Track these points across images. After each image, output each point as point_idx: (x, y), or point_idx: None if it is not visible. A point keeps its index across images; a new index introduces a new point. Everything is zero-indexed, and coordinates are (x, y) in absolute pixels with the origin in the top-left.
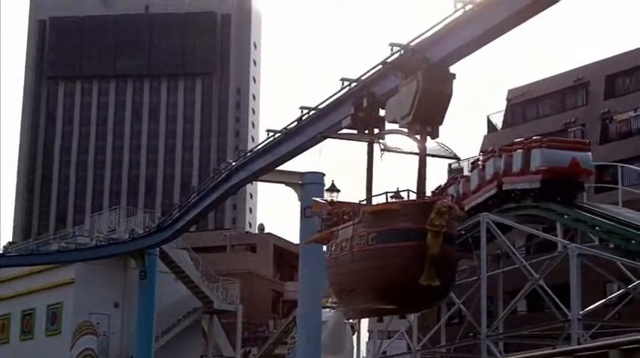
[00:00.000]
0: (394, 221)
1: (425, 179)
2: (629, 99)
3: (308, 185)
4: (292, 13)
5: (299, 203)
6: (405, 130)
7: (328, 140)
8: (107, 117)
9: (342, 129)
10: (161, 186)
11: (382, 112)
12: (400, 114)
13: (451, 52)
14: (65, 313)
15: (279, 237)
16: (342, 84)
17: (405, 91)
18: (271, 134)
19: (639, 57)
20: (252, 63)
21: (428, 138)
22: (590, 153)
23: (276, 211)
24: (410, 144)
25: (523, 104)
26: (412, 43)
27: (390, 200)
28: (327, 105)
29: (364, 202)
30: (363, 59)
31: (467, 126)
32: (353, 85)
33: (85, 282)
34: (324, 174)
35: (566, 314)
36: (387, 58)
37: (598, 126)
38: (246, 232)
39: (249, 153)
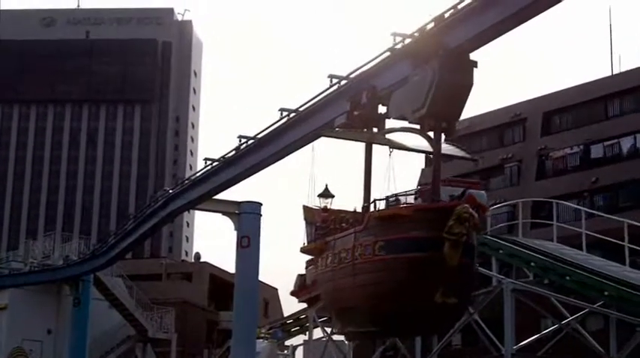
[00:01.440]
0: (405, 228)
1: (439, 181)
2: (565, 136)
3: (245, 214)
4: (233, 43)
5: (235, 232)
6: (416, 127)
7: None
8: (44, 142)
9: (334, 128)
10: (97, 213)
11: (381, 109)
12: (411, 108)
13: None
14: None
15: (216, 266)
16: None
17: (417, 82)
18: (209, 162)
19: (575, 95)
20: (191, 91)
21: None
22: (484, 192)
23: (213, 240)
24: (417, 143)
25: (462, 138)
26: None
27: (383, 205)
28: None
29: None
30: (303, 90)
31: (404, 159)
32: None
33: (19, 308)
34: (260, 204)
35: (499, 349)
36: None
37: (534, 162)
38: (182, 261)
39: (186, 181)
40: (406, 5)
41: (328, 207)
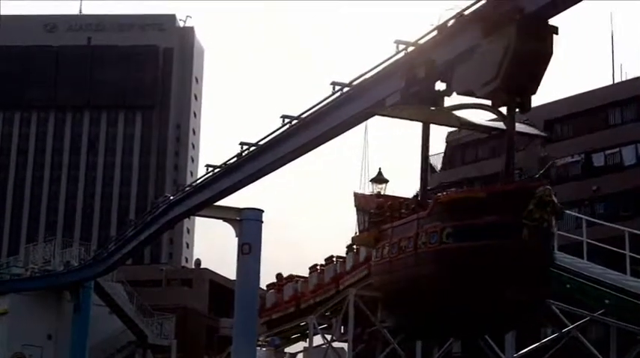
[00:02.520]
0: (477, 213)
1: (513, 161)
2: (566, 144)
3: (246, 221)
4: (235, 49)
5: (236, 239)
6: (486, 102)
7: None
8: (45, 148)
9: (386, 107)
10: (98, 219)
11: (439, 86)
12: (480, 81)
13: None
14: None
15: (216, 273)
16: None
17: (489, 52)
18: (210, 169)
19: (577, 104)
20: (193, 97)
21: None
22: None
23: (213, 247)
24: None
25: (462, 146)
26: None
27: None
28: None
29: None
30: (305, 96)
31: (405, 167)
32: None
33: (19, 313)
34: (262, 211)
35: (500, 357)
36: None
37: (535, 170)
38: (183, 267)
39: (187, 188)
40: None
41: (382, 192)
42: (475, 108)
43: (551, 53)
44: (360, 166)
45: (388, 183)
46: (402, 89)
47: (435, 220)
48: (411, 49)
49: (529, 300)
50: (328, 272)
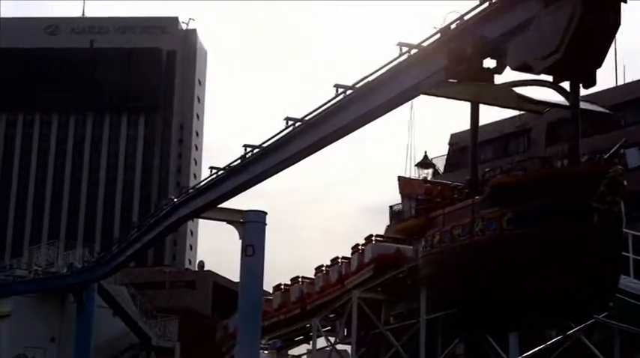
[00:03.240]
0: (541, 196)
1: (579, 141)
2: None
3: (250, 223)
4: (237, 51)
5: (240, 241)
6: (546, 78)
7: None
8: (48, 150)
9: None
10: (101, 221)
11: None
12: (539, 54)
13: None
14: (1, 346)
15: (219, 275)
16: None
17: (550, 23)
18: (214, 171)
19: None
20: (196, 99)
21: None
22: (411, 246)
23: (217, 249)
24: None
25: (466, 149)
26: None
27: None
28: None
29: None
30: (309, 98)
31: (409, 170)
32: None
33: (22, 315)
34: (265, 213)
35: None
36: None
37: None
38: (186, 269)
39: (191, 190)
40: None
41: (428, 178)
42: (532, 85)
43: (618, 24)
44: (406, 150)
45: (435, 168)
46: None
47: (493, 205)
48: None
49: (597, 290)
50: (333, 273)
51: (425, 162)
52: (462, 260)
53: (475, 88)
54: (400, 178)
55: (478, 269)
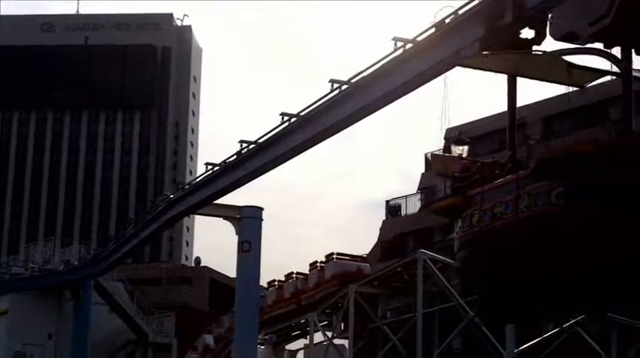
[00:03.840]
0: (596, 170)
1: (631, 111)
2: (566, 140)
3: (246, 219)
4: (233, 48)
5: (236, 237)
6: (595, 46)
7: None
8: (44, 148)
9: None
10: (97, 218)
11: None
12: (586, 19)
13: None
14: None
15: (216, 271)
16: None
17: None
18: (210, 167)
19: (576, 99)
20: (191, 96)
21: None
22: (369, 264)
23: (213, 245)
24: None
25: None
26: None
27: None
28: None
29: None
30: (304, 94)
31: (404, 165)
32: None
33: (19, 313)
34: (262, 209)
35: (501, 353)
36: None
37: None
38: (183, 265)
39: (187, 186)
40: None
41: (464, 155)
42: (578, 54)
43: None
44: (439, 125)
45: (469, 145)
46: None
47: (540, 179)
48: None
49: None
50: (288, 287)
51: (460, 139)
52: (506, 239)
53: (514, 59)
54: (434, 155)
55: (524, 249)
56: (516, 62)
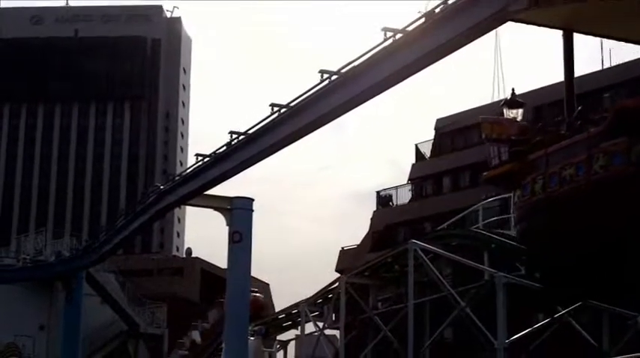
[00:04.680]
0: None
1: None
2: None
3: (237, 210)
4: (223, 39)
5: (227, 228)
6: None
7: None
8: (35, 139)
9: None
10: (88, 209)
11: None
12: None
13: None
14: None
15: (207, 262)
16: None
17: None
18: (200, 158)
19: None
20: (181, 87)
21: None
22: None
23: (204, 236)
24: None
25: (452, 133)
26: None
27: None
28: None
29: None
30: (294, 85)
31: (395, 155)
32: None
33: (11, 304)
34: (252, 200)
35: (492, 343)
36: None
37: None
38: (174, 256)
39: (177, 177)
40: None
41: (518, 119)
42: None
43: None
44: (492, 85)
45: (524, 107)
46: None
47: (617, 135)
48: None
49: None
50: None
51: (514, 101)
52: (577, 206)
53: (570, 10)
54: (484, 119)
55: (599, 216)
56: (573, 15)
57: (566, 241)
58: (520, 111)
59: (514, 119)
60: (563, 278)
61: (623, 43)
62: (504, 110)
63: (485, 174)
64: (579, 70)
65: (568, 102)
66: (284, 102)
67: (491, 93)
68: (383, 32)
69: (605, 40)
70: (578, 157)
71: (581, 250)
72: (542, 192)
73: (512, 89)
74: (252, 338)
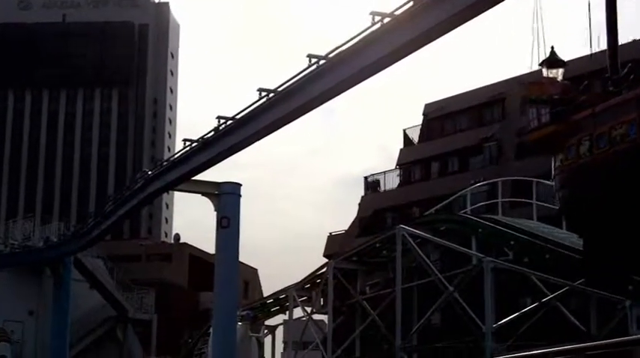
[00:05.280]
0: None
1: None
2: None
3: (224, 195)
4: (211, 24)
5: (215, 213)
6: None
7: None
8: (22, 125)
9: None
10: (76, 195)
11: None
12: None
13: None
14: None
15: (195, 247)
16: None
17: None
18: (188, 144)
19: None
20: (169, 73)
21: None
22: None
23: (192, 221)
24: None
25: (440, 119)
26: None
27: None
28: None
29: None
30: (282, 70)
31: (383, 140)
32: None
33: (0, 289)
34: (240, 185)
35: (480, 327)
36: None
37: (514, 141)
38: (162, 242)
39: (165, 163)
40: None
41: (559, 79)
42: None
43: None
44: (531, 43)
45: (565, 67)
46: None
47: None
48: None
49: None
50: None
51: (554, 59)
52: (629, 168)
53: None
54: (523, 79)
55: None
56: None
57: (615, 208)
58: (560, 70)
59: (554, 79)
60: (611, 250)
61: None
62: (544, 69)
63: (526, 136)
64: (570, 56)
65: (612, 57)
66: (272, 87)
67: (509, 67)
68: (371, 16)
69: (594, 27)
70: (630, 116)
71: (634, 217)
72: (589, 154)
73: (552, 47)
74: (239, 323)
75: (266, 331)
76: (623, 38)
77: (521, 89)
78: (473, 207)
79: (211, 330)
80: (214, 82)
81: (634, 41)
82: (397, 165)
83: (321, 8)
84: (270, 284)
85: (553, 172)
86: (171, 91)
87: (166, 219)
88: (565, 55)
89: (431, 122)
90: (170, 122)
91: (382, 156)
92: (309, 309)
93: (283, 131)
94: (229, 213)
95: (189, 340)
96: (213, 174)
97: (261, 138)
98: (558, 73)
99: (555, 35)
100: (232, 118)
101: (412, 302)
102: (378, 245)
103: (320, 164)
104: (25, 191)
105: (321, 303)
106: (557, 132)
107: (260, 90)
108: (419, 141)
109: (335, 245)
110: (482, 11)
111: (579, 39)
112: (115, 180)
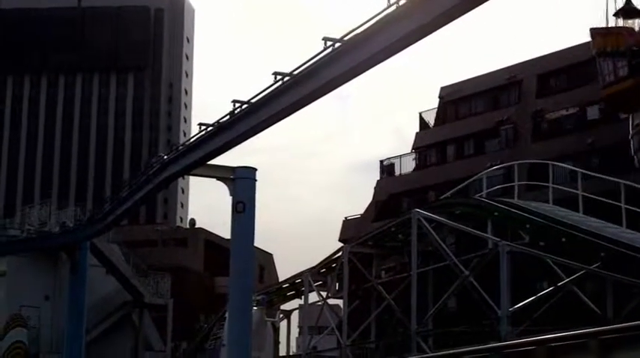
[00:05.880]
0: None
1: None
2: (560, 97)
3: (240, 180)
4: (226, 8)
5: (230, 198)
6: None
7: None
8: (39, 111)
9: None
10: (92, 180)
11: None
12: None
13: None
14: None
15: (210, 232)
16: None
17: None
18: (203, 128)
19: (570, 56)
20: (184, 57)
21: None
22: None
23: (208, 206)
24: None
25: (455, 102)
26: None
27: None
28: None
29: None
30: (297, 54)
31: (399, 123)
32: None
33: (16, 275)
34: (255, 169)
35: (495, 312)
36: None
37: (530, 124)
38: (178, 227)
39: (180, 147)
40: None
41: (636, 29)
42: None
43: None
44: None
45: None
46: None
47: None
48: None
49: None
50: None
51: (630, 8)
52: None
53: None
54: (595, 30)
55: None
56: None
57: None
58: (637, 20)
59: (632, 29)
60: None
61: None
62: (620, 20)
63: (602, 91)
64: (586, 38)
65: None
66: (287, 71)
67: (525, 49)
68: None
69: (610, 9)
70: None
71: None
72: None
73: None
74: (255, 307)
75: (281, 315)
76: None
77: (595, 41)
78: (489, 190)
79: (227, 315)
80: (229, 66)
81: None
82: (413, 148)
83: None
84: (285, 269)
85: (631, 131)
86: (187, 75)
87: (182, 204)
88: None
89: (447, 105)
90: (186, 107)
91: (397, 140)
92: (324, 294)
93: (298, 116)
94: (245, 198)
95: (205, 325)
96: (229, 159)
97: (276, 121)
98: (635, 24)
99: None
100: (247, 102)
101: (427, 286)
102: (393, 229)
103: (335, 149)
104: (41, 176)
105: (337, 288)
106: (637, 86)
107: (275, 74)
108: (435, 124)
109: (350, 229)
110: None
111: None
112: (130, 165)
